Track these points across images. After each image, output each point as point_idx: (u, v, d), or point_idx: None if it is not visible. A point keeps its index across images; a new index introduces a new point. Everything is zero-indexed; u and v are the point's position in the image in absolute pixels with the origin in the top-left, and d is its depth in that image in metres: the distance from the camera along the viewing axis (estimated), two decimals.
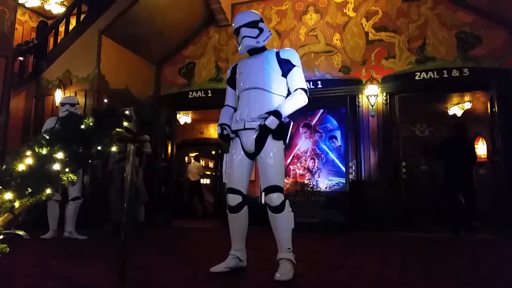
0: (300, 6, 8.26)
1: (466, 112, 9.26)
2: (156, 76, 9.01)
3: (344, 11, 7.97)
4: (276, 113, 2.92)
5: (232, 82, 3.31)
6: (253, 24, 3.11)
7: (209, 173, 11.72)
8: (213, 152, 11.16)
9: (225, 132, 3.14)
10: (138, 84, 8.34)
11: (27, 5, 8.87)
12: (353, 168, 7.19)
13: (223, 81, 8.22)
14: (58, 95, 7.28)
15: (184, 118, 10.23)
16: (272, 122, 2.89)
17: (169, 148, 8.78)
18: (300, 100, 3.02)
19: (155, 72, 9.00)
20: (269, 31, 3.23)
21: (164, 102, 8.77)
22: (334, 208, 6.75)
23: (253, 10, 3.36)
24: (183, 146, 10.55)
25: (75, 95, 7.17)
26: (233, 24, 3.21)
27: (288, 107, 2.98)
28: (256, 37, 3.10)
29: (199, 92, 8.47)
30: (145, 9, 7.55)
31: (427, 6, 7.46)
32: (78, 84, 7.36)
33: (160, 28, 8.09)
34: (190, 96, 8.56)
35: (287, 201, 2.92)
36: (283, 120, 2.97)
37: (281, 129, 2.99)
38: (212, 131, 10.71)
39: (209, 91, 8.34)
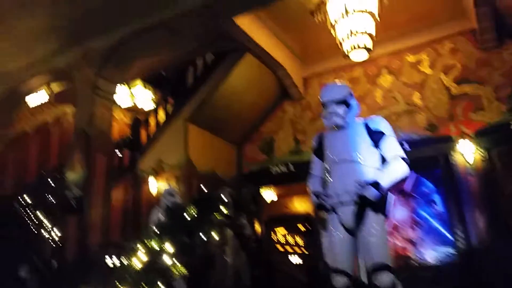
0: (373, 70, 8.26)
1: None
2: (238, 155, 9.32)
3: (420, 68, 7.81)
4: (376, 184, 2.81)
5: (318, 153, 3.28)
6: (341, 101, 3.11)
7: (300, 252, 11.02)
8: (302, 228, 10.67)
9: (322, 201, 3.03)
10: (222, 165, 8.68)
11: (122, 106, 10.00)
12: (461, 235, 6.46)
13: (303, 153, 8.26)
14: (152, 183, 7.80)
15: (268, 194, 10.21)
16: (372, 193, 2.80)
17: (258, 227, 8.71)
18: (399, 169, 2.90)
19: (237, 151, 9.34)
20: (358, 105, 3.21)
21: (247, 180, 8.94)
22: (445, 283, 6.01)
23: (342, 84, 3.39)
24: (269, 223, 10.37)
25: (167, 182, 7.62)
26: (320, 96, 3.21)
27: (388, 177, 2.86)
28: (344, 115, 3.08)
29: (281, 166, 8.53)
30: (224, 96, 8.09)
31: (510, 51, 7.06)
32: (169, 171, 7.85)
33: (238, 110, 8.54)
34: (272, 171, 8.64)
35: (398, 283, 2.69)
36: (383, 191, 2.84)
37: (381, 202, 2.86)
38: (298, 205, 10.48)
39: (291, 165, 8.36)
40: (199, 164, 7.98)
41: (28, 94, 8.12)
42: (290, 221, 10.51)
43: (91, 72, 6.39)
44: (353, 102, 3.16)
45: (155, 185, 7.81)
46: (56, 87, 8.16)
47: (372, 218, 2.82)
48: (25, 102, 8.51)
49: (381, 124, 3.09)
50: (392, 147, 2.99)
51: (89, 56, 6.43)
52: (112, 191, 6.97)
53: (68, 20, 6.16)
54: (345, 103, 3.09)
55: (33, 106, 9.16)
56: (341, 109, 3.07)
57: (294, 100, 8.99)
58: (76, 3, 5.81)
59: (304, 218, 9.87)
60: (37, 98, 8.85)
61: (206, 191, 5.04)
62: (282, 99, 9.14)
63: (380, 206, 2.85)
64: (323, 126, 3.34)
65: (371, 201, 2.81)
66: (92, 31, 6.34)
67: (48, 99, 8.95)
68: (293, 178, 8.19)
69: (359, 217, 2.84)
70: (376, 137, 3.02)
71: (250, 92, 8.45)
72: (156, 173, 7.93)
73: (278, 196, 10.59)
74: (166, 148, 8.10)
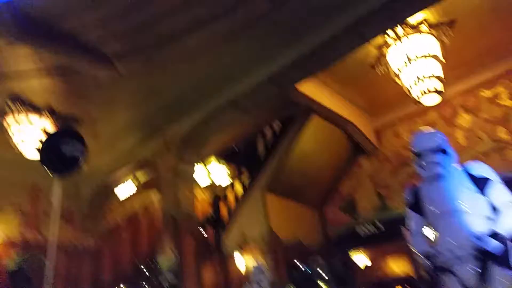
0: (448, 111, 7.87)
1: None
2: (320, 218, 9.08)
3: (499, 102, 7.33)
4: (495, 235, 2.54)
5: (416, 207, 3.07)
6: (438, 149, 2.96)
7: None
8: None
9: (434, 261, 2.77)
10: (305, 230, 8.47)
11: (202, 185, 10.40)
12: None
13: (391, 210, 7.81)
14: (239, 259, 7.75)
15: (360, 258, 9.59)
16: (493, 245, 2.53)
17: None
18: None
19: (318, 215, 9.10)
20: (454, 151, 3.03)
21: (334, 245, 8.56)
22: None
23: (434, 130, 3.25)
24: None
25: (253, 256, 7.52)
26: (413, 146, 3.08)
27: (506, 226, 2.58)
28: (443, 164, 2.93)
29: (368, 226, 8.10)
30: (296, 160, 8.12)
31: None
32: (253, 244, 7.78)
33: (312, 172, 8.47)
34: (359, 233, 8.21)
35: None
36: (504, 242, 2.56)
37: (504, 253, 2.56)
38: (394, 267, 9.64)
39: (378, 223, 7.92)
40: (281, 233, 7.84)
41: (116, 186, 8.73)
42: (388, 286, 9.64)
43: (172, 157, 6.78)
44: (449, 148, 3.00)
45: (242, 260, 7.75)
46: (141, 175, 8.70)
47: (497, 273, 2.55)
48: (115, 195, 9.12)
49: (483, 169, 2.91)
50: (501, 193, 2.77)
51: (169, 143, 6.88)
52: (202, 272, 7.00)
53: (147, 114, 6.73)
54: (442, 150, 2.94)
55: (122, 197, 9.75)
56: (439, 158, 2.93)
57: (369, 154, 8.75)
58: (153, 99, 6.37)
59: (403, 280, 9.02)
60: (125, 189, 9.44)
61: (300, 266, 4.88)
62: (356, 155, 8.95)
63: (504, 258, 2.55)
64: (407, 177, 3.18)
65: (494, 254, 2.54)
66: (170, 120, 6.83)
67: (135, 189, 9.51)
68: (384, 238, 7.69)
69: (482, 273, 2.56)
70: (480, 184, 2.81)
71: (322, 153, 8.41)
72: (241, 248, 7.90)
73: (370, 259, 9.92)
74: (247, 221, 8.12)
